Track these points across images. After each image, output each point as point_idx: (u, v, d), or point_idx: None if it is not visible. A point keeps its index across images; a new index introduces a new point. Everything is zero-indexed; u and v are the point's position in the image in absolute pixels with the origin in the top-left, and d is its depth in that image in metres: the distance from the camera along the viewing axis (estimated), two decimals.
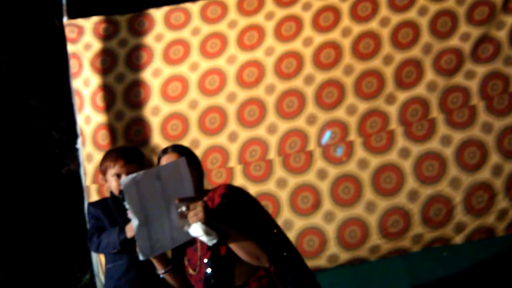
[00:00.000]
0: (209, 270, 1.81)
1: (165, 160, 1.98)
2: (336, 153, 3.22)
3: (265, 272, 1.85)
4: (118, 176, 2.27)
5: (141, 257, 1.70)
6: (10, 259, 3.31)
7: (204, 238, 1.65)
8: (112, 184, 2.30)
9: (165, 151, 2.07)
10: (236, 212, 1.84)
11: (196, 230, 1.63)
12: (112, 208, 2.31)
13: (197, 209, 1.62)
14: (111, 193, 2.34)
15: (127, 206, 1.62)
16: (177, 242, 1.71)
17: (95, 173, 3.33)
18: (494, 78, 3.17)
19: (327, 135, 3.24)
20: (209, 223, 1.64)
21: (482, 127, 3.12)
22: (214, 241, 1.67)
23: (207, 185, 2.14)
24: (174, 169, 1.68)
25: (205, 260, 1.83)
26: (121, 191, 2.14)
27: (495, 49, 3.19)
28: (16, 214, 3.37)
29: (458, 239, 3.14)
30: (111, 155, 2.34)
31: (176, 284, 2.01)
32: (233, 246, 1.76)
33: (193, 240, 1.86)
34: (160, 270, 1.96)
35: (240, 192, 1.99)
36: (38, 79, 3.70)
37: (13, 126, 3.59)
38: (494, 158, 3.09)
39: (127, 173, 2.28)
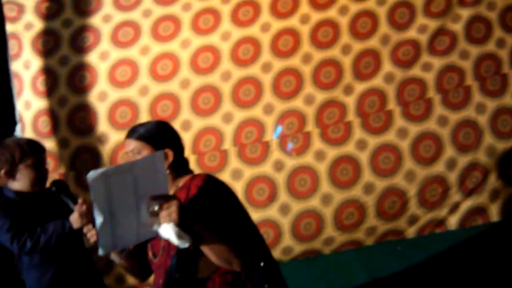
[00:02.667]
0: (173, 262, 1.69)
1: (125, 146, 1.84)
2: (286, 148, 3.15)
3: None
4: (38, 164, 2.12)
5: (100, 253, 1.58)
6: None
7: (174, 240, 1.53)
8: (27, 176, 2.12)
9: (127, 134, 1.87)
10: (211, 210, 1.72)
11: (167, 231, 1.51)
12: (22, 204, 2.10)
13: (171, 209, 1.49)
14: (10, 190, 2.14)
15: (93, 200, 1.47)
16: (141, 239, 1.62)
17: None
18: (450, 71, 3.18)
19: (278, 130, 3.16)
20: (182, 225, 1.52)
21: (438, 120, 3.13)
22: (186, 245, 1.55)
23: (197, 169, 1.97)
24: (149, 163, 1.55)
25: (171, 253, 1.72)
26: (54, 182, 1.97)
27: (451, 41, 3.20)
28: None
29: (411, 231, 3.17)
30: (20, 145, 2.13)
31: (128, 266, 1.90)
32: (204, 249, 1.65)
33: None
34: (112, 255, 1.83)
35: (220, 187, 1.84)
36: None
37: None
38: (449, 151, 3.12)
39: (45, 162, 2.16)
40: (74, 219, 1.98)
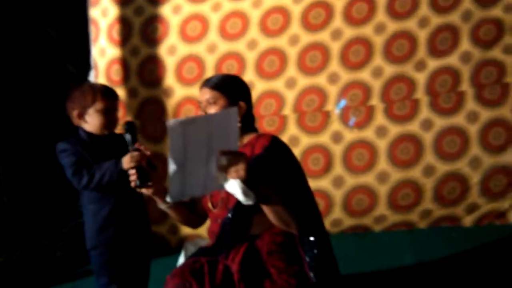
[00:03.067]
0: (230, 215, 1.78)
1: (199, 95, 1.88)
2: (349, 123, 3.07)
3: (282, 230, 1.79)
4: (108, 110, 2.18)
5: (168, 199, 1.68)
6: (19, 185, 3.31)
7: (240, 196, 1.57)
8: (96, 120, 2.18)
9: (202, 84, 1.91)
10: (276, 171, 1.75)
11: (233, 186, 1.55)
12: (90, 146, 2.20)
13: (239, 166, 1.52)
14: (83, 131, 2.22)
15: (170, 147, 1.54)
16: (207, 191, 1.67)
17: None
18: None
19: (342, 103, 3.08)
20: (248, 182, 1.55)
21: None
22: (250, 203, 1.58)
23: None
24: (224, 118, 1.58)
25: (229, 206, 1.80)
26: (125, 122, 2.04)
27: None
28: (26, 144, 3.34)
29: (468, 220, 3.05)
30: (94, 90, 2.19)
31: (178, 217, 1.99)
32: (265, 209, 1.69)
33: None
34: (162, 205, 1.92)
35: (285, 150, 1.87)
36: (57, 6, 3.54)
37: (30, 54, 3.48)
38: None
39: (115, 108, 2.22)
40: (125, 160, 2.04)
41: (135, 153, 2.00)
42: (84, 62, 3.42)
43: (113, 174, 2.11)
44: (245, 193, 1.55)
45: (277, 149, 1.81)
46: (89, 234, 2.22)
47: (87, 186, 2.15)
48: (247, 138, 1.87)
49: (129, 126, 2.01)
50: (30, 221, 3.21)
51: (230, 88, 1.88)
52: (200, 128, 1.53)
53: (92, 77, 3.32)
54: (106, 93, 2.23)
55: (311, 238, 1.79)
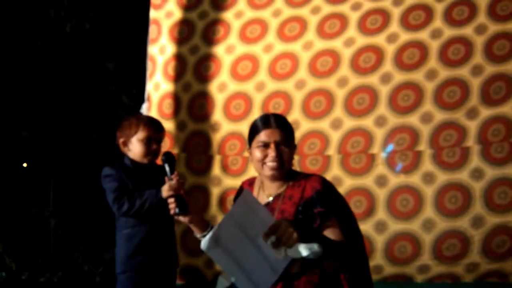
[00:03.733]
0: None
1: (267, 134, 1.85)
2: (396, 168, 3.01)
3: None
4: (149, 140, 2.32)
5: None
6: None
7: (307, 255, 1.54)
8: (138, 148, 2.33)
9: (267, 123, 1.88)
10: (333, 214, 1.75)
11: (298, 251, 1.53)
12: (133, 172, 2.31)
13: (288, 232, 1.51)
14: (127, 158, 2.37)
15: (219, 263, 1.56)
16: (279, 271, 1.60)
17: None
18: None
19: (389, 148, 3.04)
20: (305, 238, 1.54)
21: None
22: (318, 252, 1.55)
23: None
24: (243, 205, 1.58)
25: None
26: (165, 153, 2.10)
27: None
28: (77, 171, 3.49)
29: None
30: (138, 121, 2.37)
31: None
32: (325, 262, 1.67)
33: None
34: (198, 234, 1.90)
35: (336, 192, 1.89)
36: (117, 42, 3.77)
37: (87, 86, 3.70)
38: None
39: (157, 139, 2.36)
40: (164, 189, 2.15)
41: (173, 182, 2.06)
42: (138, 95, 3.57)
43: (152, 202, 2.20)
44: (310, 249, 1.52)
45: (329, 192, 1.82)
46: (120, 259, 2.27)
47: (127, 213, 2.23)
48: (293, 178, 1.88)
49: (167, 157, 2.08)
50: (74, 244, 3.30)
51: (291, 128, 1.92)
52: (229, 228, 1.52)
53: (144, 109, 3.45)
54: (149, 124, 2.38)
55: (359, 281, 1.77)
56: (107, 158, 2.43)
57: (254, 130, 1.91)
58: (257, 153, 1.86)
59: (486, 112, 2.94)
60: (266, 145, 1.85)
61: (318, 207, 1.74)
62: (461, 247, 2.89)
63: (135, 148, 2.36)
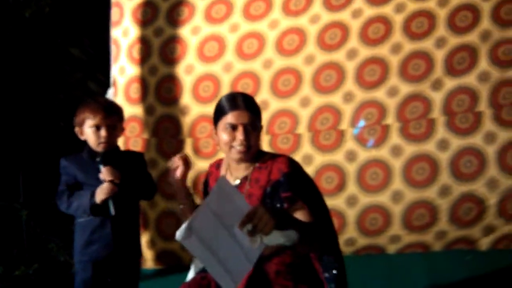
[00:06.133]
0: None
1: (235, 116, 1.80)
2: (367, 146, 3.06)
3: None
4: (98, 128, 2.19)
5: None
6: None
7: (285, 241, 1.51)
8: (90, 136, 2.21)
9: (235, 104, 1.82)
10: (300, 196, 1.74)
11: (274, 238, 1.49)
12: (86, 163, 2.22)
13: (263, 220, 1.44)
14: (87, 146, 2.26)
15: (194, 253, 1.52)
16: (253, 260, 1.56)
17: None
18: None
19: (360, 124, 3.08)
20: (280, 225, 1.48)
21: None
22: (295, 238, 1.52)
23: (269, 150, 2.02)
24: (219, 192, 1.52)
25: None
26: (101, 154, 2.14)
27: None
28: (46, 160, 3.43)
29: (485, 242, 2.98)
30: (91, 106, 2.21)
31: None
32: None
33: None
34: (180, 204, 1.96)
35: (301, 172, 1.86)
36: (80, 27, 3.67)
37: (52, 72, 3.60)
38: None
39: (107, 126, 2.22)
40: (97, 193, 2.12)
41: (104, 186, 2.08)
42: (105, 80, 3.50)
43: (85, 209, 2.14)
44: (287, 236, 1.49)
45: (297, 173, 1.81)
46: (76, 248, 2.24)
47: (65, 211, 2.20)
48: (260, 160, 1.86)
49: (102, 158, 2.12)
50: (48, 235, 3.27)
51: (259, 109, 1.88)
52: (204, 218, 1.48)
53: (110, 95, 3.39)
54: (96, 110, 2.20)
55: (330, 258, 1.79)
56: (75, 147, 2.35)
57: (220, 111, 1.84)
58: (224, 136, 1.82)
59: (450, 83, 3.00)
60: (233, 128, 1.81)
61: (286, 190, 1.74)
62: (429, 217, 2.98)
63: (87, 136, 2.23)
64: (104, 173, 2.11)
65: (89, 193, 2.12)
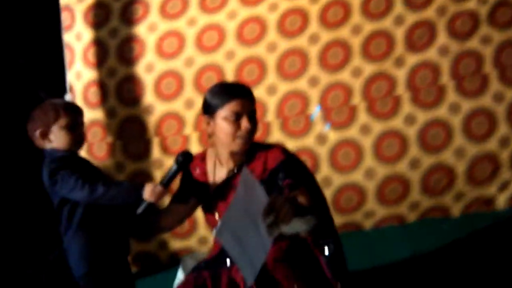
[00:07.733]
0: None
1: (240, 104, 1.75)
2: (324, 129, 3.09)
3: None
4: (73, 126, 2.07)
5: (249, 284, 1.57)
6: None
7: (305, 228, 1.54)
8: (62, 138, 2.06)
9: (239, 93, 1.77)
10: (303, 182, 1.74)
11: (296, 226, 1.50)
12: (74, 159, 2.09)
13: (284, 209, 1.42)
14: (54, 151, 2.08)
15: (227, 249, 1.48)
16: (267, 250, 1.54)
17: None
18: (511, 46, 2.98)
19: (316, 110, 3.10)
20: (300, 212, 1.48)
21: (493, 96, 2.96)
22: (314, 223, 1.54)
23: None
24: (245, 185, 1.49)
25: None
26: (180, 154, 1.92)
27: None
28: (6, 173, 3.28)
29: (456, 208, 3.07)
30: (55, 106, 2.07)
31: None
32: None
33: (227, 196, 1.81)
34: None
35: (296, 158, 1.86)
36: (28, 35, 3.51)
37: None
38: (503, 129, 2.96)
39: (81, 124, 2.12)
40: (147, 190, 1.90)
41: (159, 189, 1.88)
42: (58, 88, 3.37)
43: (131, 197, 1.92)
44: (307, 222, 1.51)
45: (294, 160, 1.81)
46: (75, 261, 2.11)
47: (101, 197, 1.93)
48: (250, 150, 1.83)
49: (184, 157, 1.90)
50: (14, 248, 3.12)
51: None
52: (236, 212, 1.46)
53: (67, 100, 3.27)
54: (69, 108, 2.10)
55: (329, 239, 1.80)
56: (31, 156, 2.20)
57: (220, 100, 1.76)
58: (226, 126, 1.74)
59: (412, 60, 3.04)
60: (238, 117, 1.75)
61: (285, 178, 1.73)
62: (402, 189, 3.04)
63: (58, 137, 2.06)
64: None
65: (131, 184, 1.95)
